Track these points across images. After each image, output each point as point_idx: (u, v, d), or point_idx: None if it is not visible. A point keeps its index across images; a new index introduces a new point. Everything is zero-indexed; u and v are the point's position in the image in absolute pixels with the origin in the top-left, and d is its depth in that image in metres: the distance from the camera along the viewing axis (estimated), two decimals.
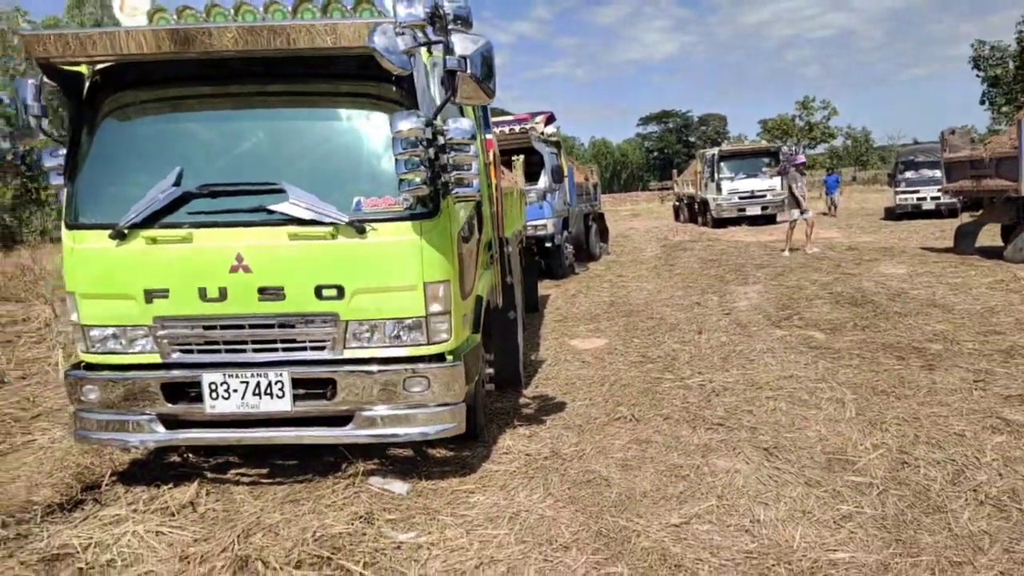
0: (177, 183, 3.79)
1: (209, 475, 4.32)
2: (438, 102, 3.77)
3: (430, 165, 3.59)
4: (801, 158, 14.73)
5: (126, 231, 3.79)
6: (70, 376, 4.04)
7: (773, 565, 3.06)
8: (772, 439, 4.50)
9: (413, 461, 4.47)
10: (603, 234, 17.44)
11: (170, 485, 4.17)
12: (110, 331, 3.93)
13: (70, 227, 3.93)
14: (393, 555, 3.33)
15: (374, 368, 3.83)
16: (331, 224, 3.72)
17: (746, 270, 12.52)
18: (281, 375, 3.83)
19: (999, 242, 12.42)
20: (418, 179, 3.55)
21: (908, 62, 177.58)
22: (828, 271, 11.67)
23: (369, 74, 3.79)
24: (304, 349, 3.89)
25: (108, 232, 3.81)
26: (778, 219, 24.14)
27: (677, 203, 30.73)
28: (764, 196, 23.19)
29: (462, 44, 3.38)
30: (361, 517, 3.69)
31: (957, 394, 5.16)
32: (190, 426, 4.02)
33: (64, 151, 4.01)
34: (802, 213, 13.96)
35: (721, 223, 23.30)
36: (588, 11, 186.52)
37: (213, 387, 3.86)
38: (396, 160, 3.53)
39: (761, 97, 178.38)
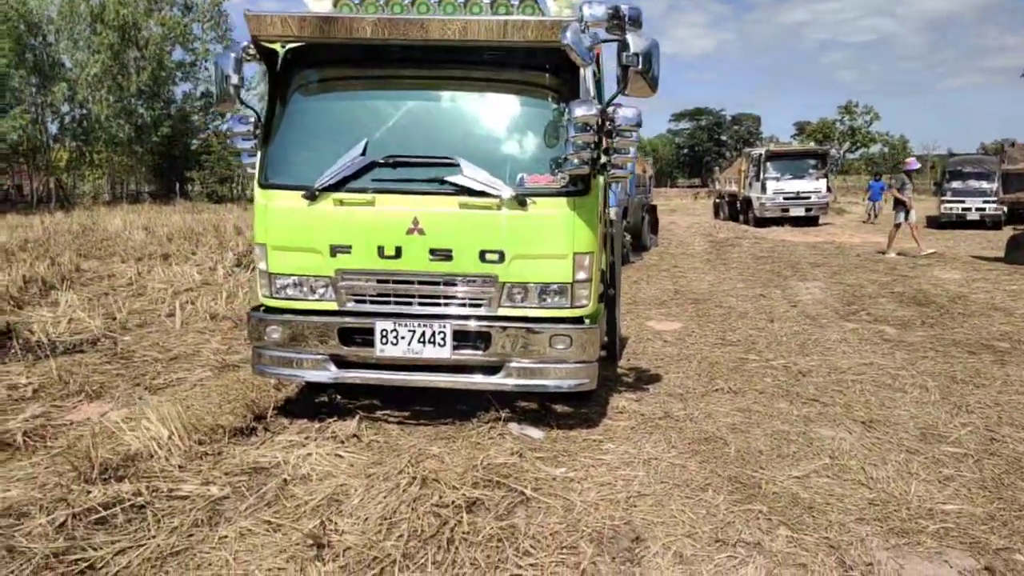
0: (363, 153, 4.31)
1: (361, 413, 4.87)
2: (592, 92, 4.27)
3: (595, 148, 4.08)
4: (913, 163, 15.06)
5: (317, 192, 4.32)
6: (254, 317, 4.60)
7: (894, 510, 3.53)
8: (866, 414, 4.95)
9: (538, 414, 4.98)
10: (654, 226, 17.86)
11: (334, 418, 4.74)
12: (294, 279, 4.48)
13: (264, 186, 4.47)
14: (552, 484, 3.85)
15: (525, 325, 4.34)
16: (498, 196, 4.22)
17: (802, 267, 12.91)
18: (444, 326, 4.35)
19: None
20: (581, 159, 4.04)
21: (947, 72, 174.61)
22: (885, 272, 12.04)
23: (539, 65, 4.34)
24: (463, 305, 4.41)
25: (301, 192, 4.35)
26: (820, 221, 24.42)
27: (718, 200, 30.99)
28: (809, 198, 23.46)
29: (635, 42, 3.85)
30: (514, 453, 4.22)
31: None
32: (356, 367, 4.56)
33: (251, 118, 4.56)
34: (907, 217, 14.23)
35: (763, 223, 23.58)
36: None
37: (384, 333, 4.39)
38: (567, 142, 4.02)
39: (795, 99, 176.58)
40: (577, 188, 4.28)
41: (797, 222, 23.26)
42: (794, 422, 4.84)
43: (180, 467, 3.98)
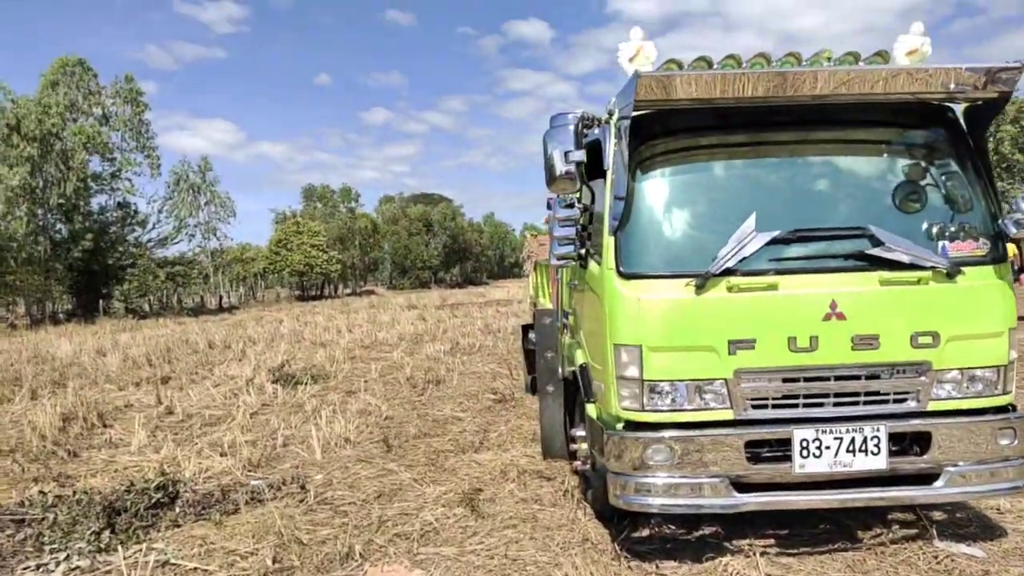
0: (755, 229, 3.63)
1: (749, 546, 3.97)
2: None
3: None
4: None
5: (706, 280, 3.58)
6: (619, 436, 3.70)
7: None
8: None
9: (961, 523, 4.22)
10: None
11: (726, 557, 3.81)
12: (680, 385, 3.64)
13: (627, 276, 3.69)
14: None
15: (974, 419, 3.66)
16: (932, 267, 3.62)
17: None
18: (878, 430, 3.61)
19: None
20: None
21: None
22: None
23: (924, 120, 3.85)
24: (887, 402, 3.69)
25: (685, 281, 3.59)
26: None
27: None
28: None
29: None
30: None
31: None
32: (761, 489, 3.70)
33: (577, 201, 3.85)
34: None
35: None
36: (497, 106, 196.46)
37: (804, 444, 3.59)
38: (1019, 201, 3.52)
39: None
40: (998, 254, 3.74)
41: None
42: None
43: None
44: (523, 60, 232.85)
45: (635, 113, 3.63)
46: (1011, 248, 16.33)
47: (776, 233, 3.60)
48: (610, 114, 3.90)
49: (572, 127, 3.72)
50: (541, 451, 5.79)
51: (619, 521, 4.33)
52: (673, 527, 4.33)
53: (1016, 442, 3.70)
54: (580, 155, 3.69)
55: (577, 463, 4.64)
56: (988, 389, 3.72)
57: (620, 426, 3.76)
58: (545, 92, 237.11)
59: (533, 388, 8.85)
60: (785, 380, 3.64)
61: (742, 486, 3.67)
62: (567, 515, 4.62)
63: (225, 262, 61.02)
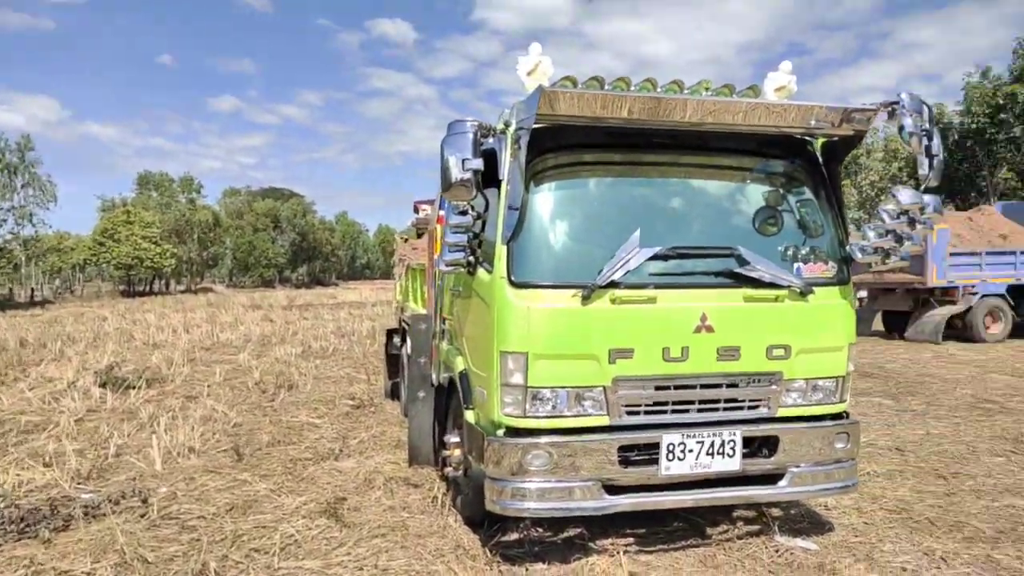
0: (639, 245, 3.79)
1: (611, 546, 4.10)
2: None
3: (886, 234, 4.00)
4: None
5: (592, 291, 3.69)
6: (500, 442, 3.71)
7: None
8: None
9: (798, 520, 4.62)
10: None
11: (591, 557, 3.92)
12: (561, 392, 3.72)
13: (517, 285, 3.72)
14: None
15: (815, 425, 4.03)
16: (788, 287, 3.94)
17: None
18: (734, 434, 3.88)
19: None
20: (881, 248, 3.96)
21: None
22: None
23: (786, 152, 4.21)
24: (742, 408, 3.98)
25: (572, 292, 3.69)
26: None
27: None
28: None
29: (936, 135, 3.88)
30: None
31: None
32: (629, 491, 3.85)
33: (472, 209, 3.88)
34: None
35: None
36: (356, 103, 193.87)
37: (671, 448, 3.79)
38: (873, 229, 3.93)
39: None
40: (843, 276, 4.17)
41: None
42: None
43: None
44: (385, 59, 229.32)
45: (535, 125, 3.68)
46: None
47: (658, 249, 3.77)
48: (506, 125, 3.92)
49: (471, 135, 3.69)
50: (408, 458, 5.68)
51: (489, 526, 4.34)
52: (541, 530, 4.41)
53: (848, 445, 4.12)
54: (478, 163, 3.67)
55: (448, 469, 4.61)
56: (828, 398, 4.11)
57: (501, 432, 3.77)
58: (406, 93, 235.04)
59: (394, 393, 8.71)
60: (657, 388, 3.82)
61: (612, 488, 3.81)
62: (438, 522, 4.56)
63: (40, 251, 54.94)
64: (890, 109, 3.81)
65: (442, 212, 4.59)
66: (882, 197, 36.61)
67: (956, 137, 31.14)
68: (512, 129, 3.80)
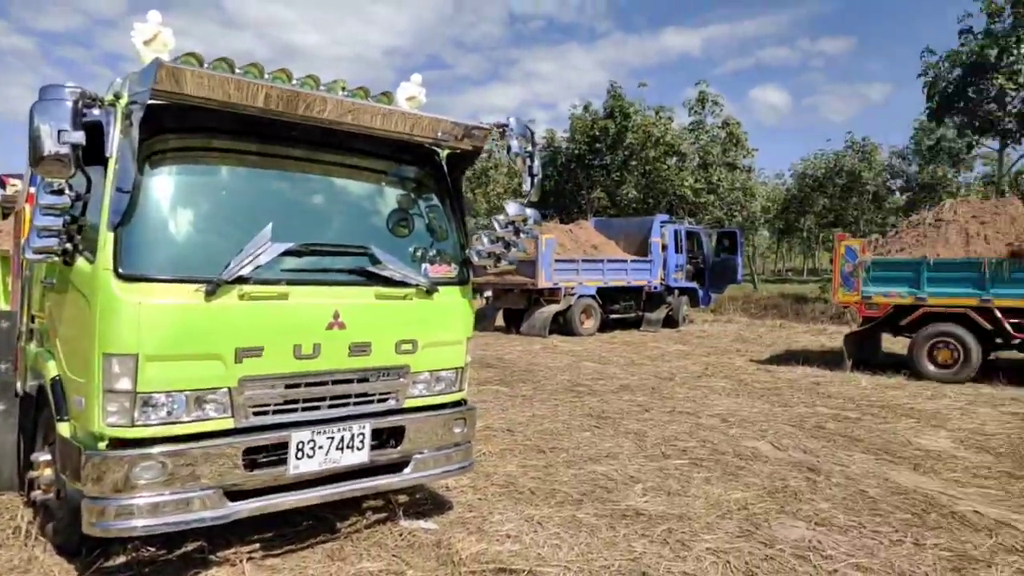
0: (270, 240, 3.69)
1: (234, 554, 3.87)
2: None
3: (497, 240, 4.49)
4: None
5: (218, 286, 3.49)
6: (101, 457, 3.28)
7: None
8: None
9: (421, 503, 4.85)
10: None
11: (204, 570, 3.67)
12: (178, 396, 3.43)
13: (126, 278, 3.32)
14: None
15: (433, 414, 4.35)
16: (417, 285, 4.20)
17: None
18: (364, 427, 4.00)
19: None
20: (494, 253, 4.44)
21: None
22: None
23: (426, 161, 4.53)
24: (372, 402, 4.12)
25: (195, 287, 3.44)
26: None
27: None
28: None
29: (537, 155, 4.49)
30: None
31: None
32: (256, 495, 3.70)
33: (71, 189, 3.40)
34: None
35: None
36: None
37: (300, 446, 3.76)
38: (487, 235, 4.37)
39: None
40: (464, 277, 4.59)
41: None
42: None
43: None
44: None
45: (150, 102, 3.31)
46: None
47: (290, 245, 3.70)
48: (117, 97, 3.46)
49: (70, 103, 3.16)
50: None
51: (88, 553, 3.83)
52: (153, 548, 4.01)
53: (466, 429, 4.54)
54: (79, 137, 3.17)
55: (36, 493, 3.94)
56: (449, 387, 4.49)
57: (103, 445, 3.33)
58: None
59: None
60: (288, 386, 3.76)
61: (235, 494, 3.64)
62: (20, 556, 3.87)
63: None
64: (501, 130, 4.31)
65: (32, 189, 3.90)
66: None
67: (563, 160, 36.35)
68: (123, 102, 3.39)
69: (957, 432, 7.52)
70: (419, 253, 4.39)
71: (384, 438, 4.17)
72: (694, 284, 20.46)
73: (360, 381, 4.04)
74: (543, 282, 16.23)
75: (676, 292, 19.69)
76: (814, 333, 18.44)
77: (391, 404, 4.19)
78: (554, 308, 16.77)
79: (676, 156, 32.90)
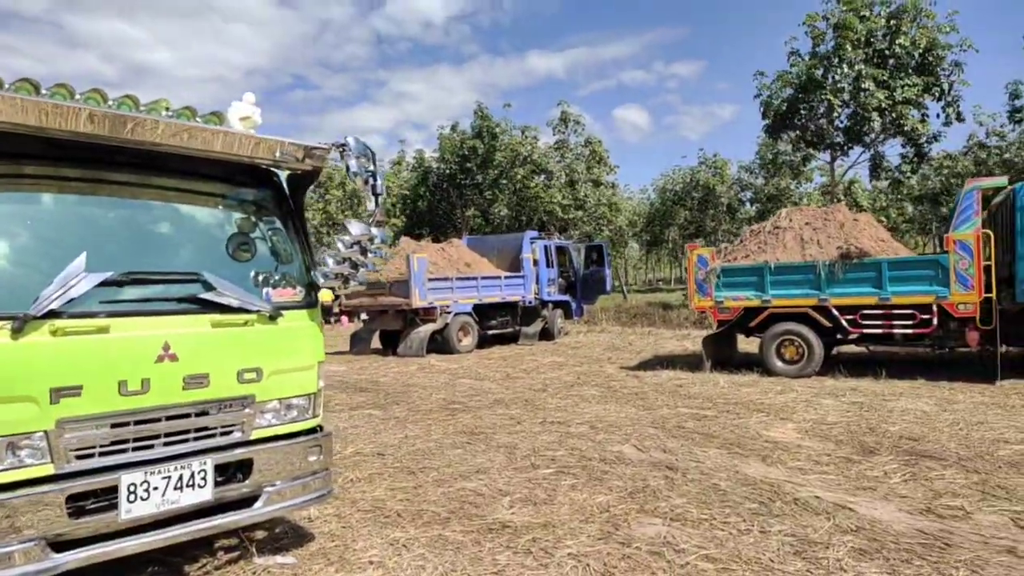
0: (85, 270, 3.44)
1: None
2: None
3: (343, 261, 4.40)
4: None
5: (25, 322, 3.20)
6: None
7: None
8: None
9: (276, 537, 4.59)
10: None
11: None
12: None
13: None
14: None
15: (288, 443, 4.18)
16: (255, 312, 4.03)
17: None
18: (205, 463, 3.78)
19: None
20: (339, 274, 4.34)
21: None
22: None
23: (255, 180, 4.38)
24: (214, 436, 3.91)
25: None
26: None
27: None
28: None
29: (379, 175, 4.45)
30: None
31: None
32: (84, 544, 3.40)
33: None
34: None
35: None
36: None
37: (132, 488, 3.51)
38: (332, 257, 4.27)
39: None
40: (311, 300, 4.46)
41: None
42: None
43: None
44: None
45: None
46: (328, 294, 19.76)
47: (108, 274, 3.46)
48: None
49: None
50: None
51: None
52: None
53: (322, 457, 4.39)
54: None
55: None
56: (301, 415, 4.33)
57: None
58: None
59: None
60: (114, 425, 3.50)
61: (62, 544, 3.34)
62: None
63: None
64: (340, 150, 4.25)
65: None
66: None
67: (435, 179, 36.46)
68: None
69: (802, 423, 8.10)
70: (262, 277, 4.23)
71: (231, 472, 3.97)
72: (567, 297, 21.01)
73: (199, 415, 3.82)
74: (418, 301, 16.13)
75: (550, 305, 20.14)
76: (679, 338, 19.39)
77: (237, 437, 3.99)
78: (431, 327, 16.70)
79: (543, 174, 33.81)
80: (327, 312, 17.90)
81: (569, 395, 10.58)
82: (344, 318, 25.87)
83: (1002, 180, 11.30)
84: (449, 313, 17.03)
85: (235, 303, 3.93)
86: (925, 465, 6.14)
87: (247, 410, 4.00)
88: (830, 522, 4.84)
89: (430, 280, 16.46)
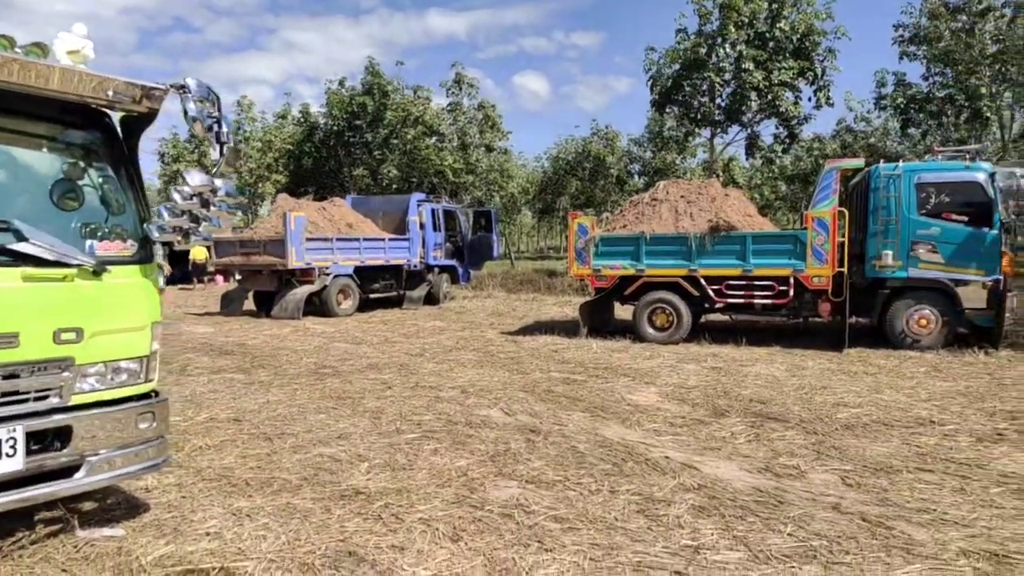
0: None
1: None
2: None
3: (183, 214, 4.07)
4: None
5: None
6: None
7: None
8: None
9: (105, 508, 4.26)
10: None
11: None
12: None
13: None
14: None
15: (115, 408, 3.87)
16: (76, 266, 3.68)
17: None
18: (15, 431, 3.44)
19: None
20: (177, 226, 4.02)
21: None
22: None
23: (84, 121, 3.98)
24: (27, 401, 3.56)
25: None
26: None
27: None
28: None
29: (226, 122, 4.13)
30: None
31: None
32: None
33: None
34: None
35: None
36: None
37: None
38: (168, 209, 3.93)
39: None
40: (146, 254, 4.13)
41: None
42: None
43: None
44: None
45: None
46: (201, 251, 18.80)
47: None
48: None
49: None
50: None
51: None
52: None
53: (155, 424, 4.11)
54: None
55: None
56: (132, 379, 4.02)
57: None
58: None
59: None
60: None
61: None
62: None
63: None
64: (180, 92, 3.90)
65: None
66: (259, 184, 38.77)
67: (321, 136, 35.11)
68: None
69: (664, 387, 8.43)
70: (88, 229, 3.86)
71: (48, 441, 3.63)
72: (453, 262, 20.88)
73: (8, 378, 3.46)
74: (294, 262, 15.52)
75: (436, 270, 19.96)
76: (561, 305, 19.73)
77: (54, 402, 3.65)
78: (308, 289, 16.14)
79: (435, 136, 33.26)
80: (201, 270, 17.56)
81: (446, 359, 10.54)
82: (219, 277, 24.63)
83: (860, 161, 12.10)
84: (328, 275, 16.51)
85: (50, 256, 3.56)
86: (769, 427, 6.53)
87: (65, 373, 3.67)
88: (675, 481, 5.05)
89: (308, 240, 15.86)
